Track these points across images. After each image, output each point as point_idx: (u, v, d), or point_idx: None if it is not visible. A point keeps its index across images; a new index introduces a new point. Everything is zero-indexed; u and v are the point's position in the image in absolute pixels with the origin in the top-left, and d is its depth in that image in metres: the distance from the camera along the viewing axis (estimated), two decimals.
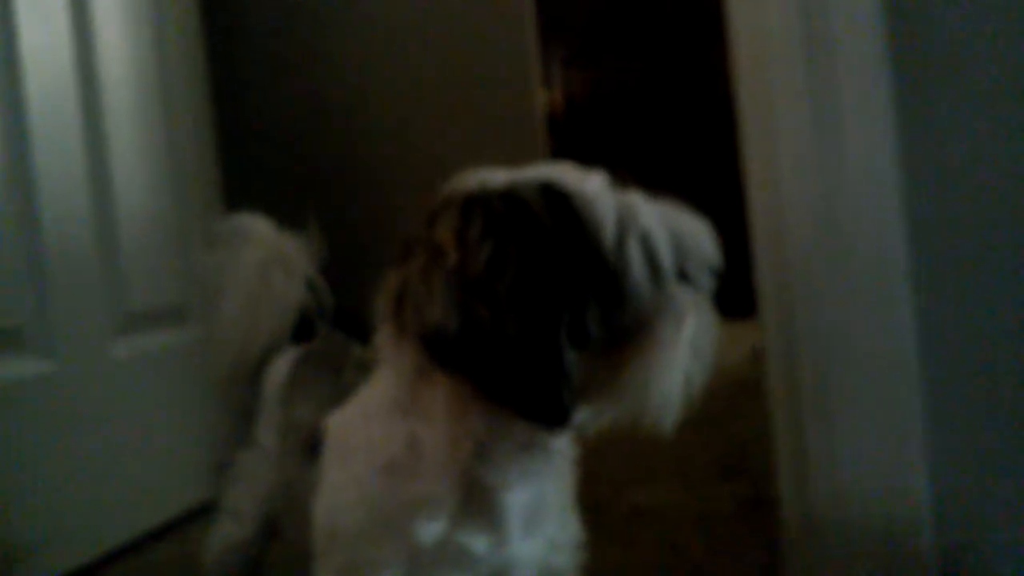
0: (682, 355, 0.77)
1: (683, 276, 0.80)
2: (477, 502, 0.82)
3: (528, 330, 0.73)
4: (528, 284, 0.74)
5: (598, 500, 1.84)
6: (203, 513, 1.90)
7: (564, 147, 4.31)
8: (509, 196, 0.77)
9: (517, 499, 0.83)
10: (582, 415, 0.79)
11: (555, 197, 0.77)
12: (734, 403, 2.61)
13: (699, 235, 0.81)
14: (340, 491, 0.86)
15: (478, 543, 0.82)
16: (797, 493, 1.15)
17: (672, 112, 4.62)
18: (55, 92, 1.81)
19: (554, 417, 0.75)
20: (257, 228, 1.25)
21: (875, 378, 1.07)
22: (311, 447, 0.93)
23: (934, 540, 1.09)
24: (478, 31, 2.91)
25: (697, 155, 4.43)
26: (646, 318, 0.77)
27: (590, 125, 4.62)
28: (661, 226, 0.78)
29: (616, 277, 0.76)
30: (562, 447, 0.86)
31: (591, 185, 0.79)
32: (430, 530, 0.81)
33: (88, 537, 1.78)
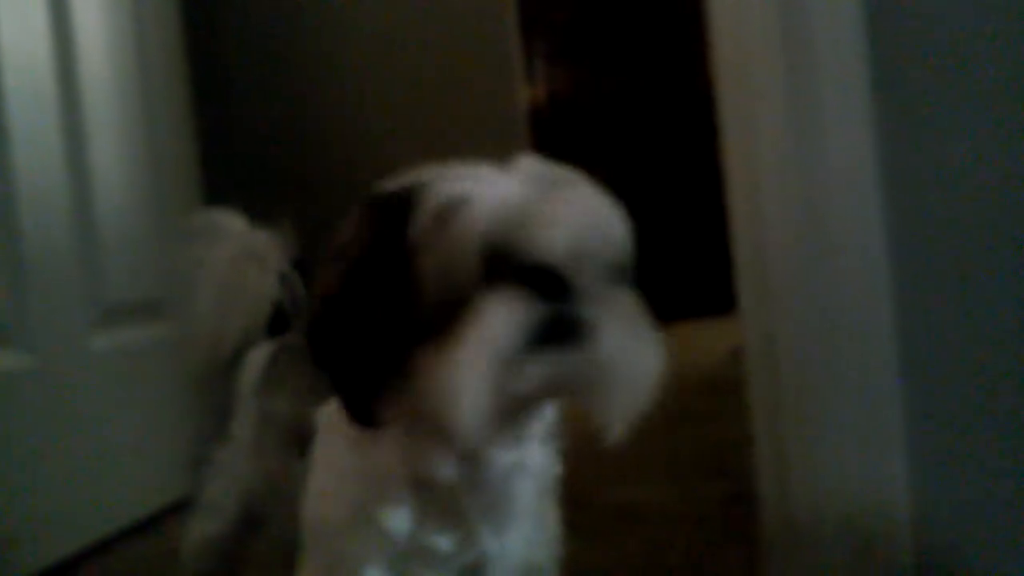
0: (481, 361, 0.69)
1: (525, 273, 0.71)
2: (434, 499, 0.81)
3: (336, 336, 0.77)
4: (343, 294, 0.76)
5: (582, 498, 1.84)
6: (182, 508, 1.90)
7: (547, 143, 4.31)
8: (364, 205, 0.79)
9: (474, 499, 0.82)
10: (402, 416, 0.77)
11: (396, 204, 0.75)
12: (718, 401, 2.62)
13: (553, 229, 0.71)
14: (323, 481, 0.87)
15: (442, 542, 0.82)
16: (777, 493, 1.16)
17: (655, 109, 4.63)
18: (33, 86, 1.80)
19: (360, 415, 0.77)
20: (230, 224, 1.25)
21: (855, 379, 1.07)
22: (292, 440, 0.93)
23: (911, 542, 1.09)
24: (460, 27, 2.91)
25: (679, 152, 4.44)
26: (450, 322, 0.71)
27: (573, 121, 4.62)
28: (485, 221, 0.71)
29: (417, 279, 0.72)
30: (525, 458, 0.84)
31: (460, 186, 0.73)
32: (397, 519, 0.81)
33: (67, 531, 1.77)
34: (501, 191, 0.72)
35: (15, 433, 1.68)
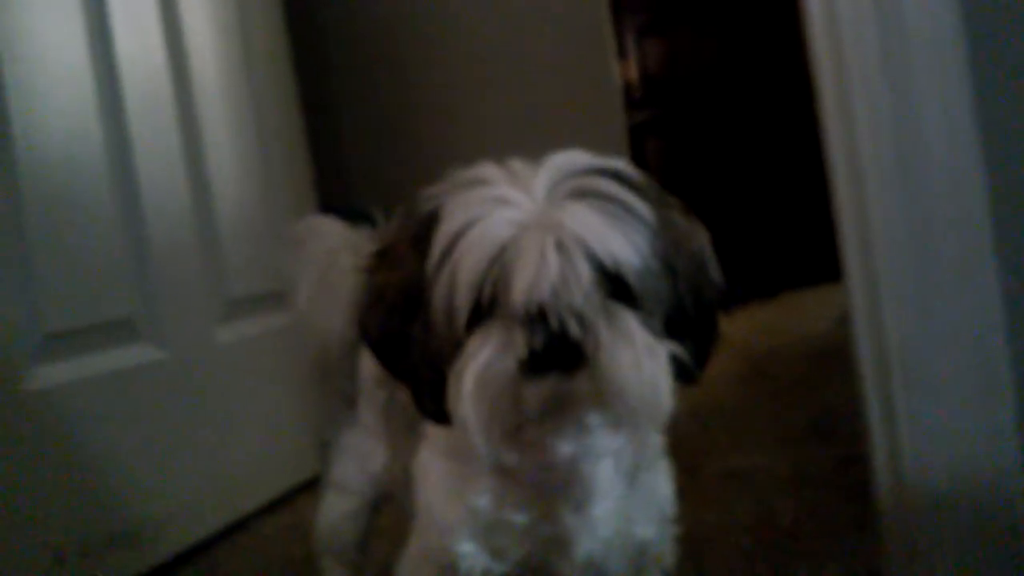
0: (475, 394, 0.77)
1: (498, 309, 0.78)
2: (511, 481, 0.89)
3: (390, 347, 0.87)
4: (388, 306, 0.86)
5: (693, 464, 1.87)
6: (309, 487, 1.99)
7: (640, 116, 4.30)
8: (398, 219, 0.87)
9: (545, 480, 0.88)
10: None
11: (427, 223, 0.82)
12: (825, 366, 2.61)
13: (524, 272, 0.75)
14: (426, 462, 0.96)
15: (519, 517, 0.89)
16: (887, 456, 1.16)
17: (749, 80, 4.57)
18: (151, 94, 1.89)
19: (422, 410, 0.86)
20: (326, 224, 1.31)
21: (961, 340, 1.07)
22: (415, 425, 0.99)
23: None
24: (551, 5, 2.94)
25: (779, 123, 4.38)
26: (457, 350, 0.79)
27: (666, 95, 4.60)
28: (477, 258, 0.77)
29: (430, 311, 0.81)
30: (595, 445, 0.87)
31: (462, 220, 0.79)
32: (479, 497, 0.89)
33: (203, 514, 1.87)
34: (493, 230, 0.77)
35: (150, 424, 1.78)
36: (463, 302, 0.78)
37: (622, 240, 0.77)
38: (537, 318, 0.75)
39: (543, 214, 0.77)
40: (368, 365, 1.22)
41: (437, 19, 2.92)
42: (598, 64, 3.02)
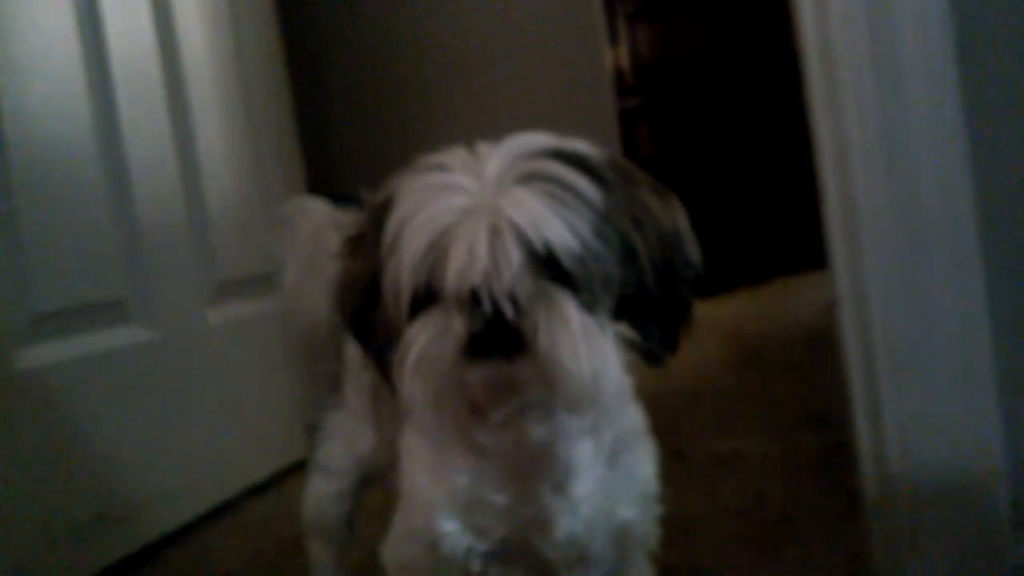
0: (409, 373, 0.79)
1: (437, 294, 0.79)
2: (488, 461, 0.89)
3: (362, 331, 0.90)
4: (357, 292, 0.88)
5: (682, 449, 1.87)
6: (298, 469, 1.99)
7: (631, 102, 4.30)
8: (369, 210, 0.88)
9: (521, 461, 0.88)
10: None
11: (383, 210, 0.83)
12: (816, 352, 2.62)
13: (456, 256, 0.76)
14: (410, 441, 0.97)
15: (498, 497, 0.89)
16: (872, 442, 1.17)
17: (740, 66, 4.56)
18: (140, 75, 1.89)
19: (382, 374, 0.88)
20: (313, 204, 1.31)
21: (945, 329, 1.08)
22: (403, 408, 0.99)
23: (1007, 489, 1.10)
24: None
25: (768, 110, 4.37)
26: (401, 334, 0.81)
27: (657, 81, 4.59)
28: (417, 244, 0.78)
29: (382, 294, 0.83)
30: (568, 425, 0.88)
31: (406, 210, 0.80)
32: (457, 475, 0.90)
33: (191, 495, 1.88)
34: (436, 217, 0.77)
35: (139, 405, 1.79)
36: (405, 288, 0.79)
37: (558, 223, 0.76)
38: (473, 303, 0.76)
39: (485, 200, 0.77)
40: (354, 347, 1.23)
41: (428, 5, 2.91)
42: (589, 50, 3.01)
